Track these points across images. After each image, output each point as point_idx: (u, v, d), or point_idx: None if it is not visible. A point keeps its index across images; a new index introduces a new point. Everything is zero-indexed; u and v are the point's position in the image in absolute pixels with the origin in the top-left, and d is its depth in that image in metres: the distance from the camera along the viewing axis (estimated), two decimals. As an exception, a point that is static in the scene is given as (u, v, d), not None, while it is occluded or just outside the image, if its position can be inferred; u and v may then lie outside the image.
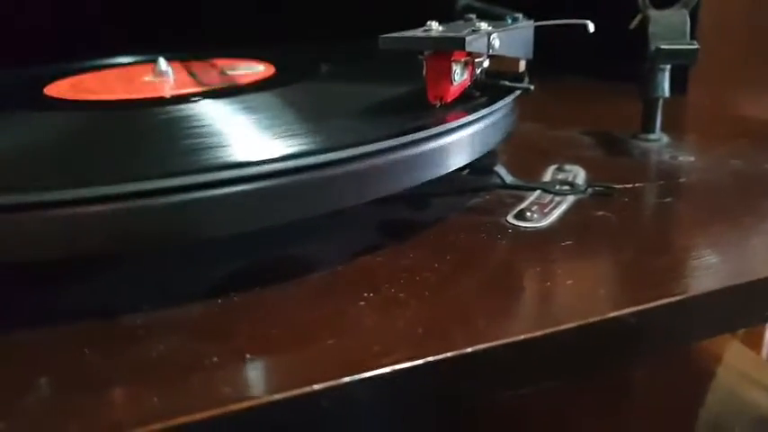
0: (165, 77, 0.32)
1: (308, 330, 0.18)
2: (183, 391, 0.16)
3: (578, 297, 0.19)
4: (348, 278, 0.21)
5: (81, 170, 0.20)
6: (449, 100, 0.25)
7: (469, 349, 0.17)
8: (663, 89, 0.33)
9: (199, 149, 0.21)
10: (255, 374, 0.16)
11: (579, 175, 0.29)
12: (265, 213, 0.19)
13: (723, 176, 0.29)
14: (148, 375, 0.16)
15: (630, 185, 0.28)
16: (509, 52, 0.26)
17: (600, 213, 0.25)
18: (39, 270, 0.21)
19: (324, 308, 0.19)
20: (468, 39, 0.23)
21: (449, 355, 0.16)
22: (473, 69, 0.26)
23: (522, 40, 0.28)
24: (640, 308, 0.18)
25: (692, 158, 0.31)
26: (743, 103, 0.40)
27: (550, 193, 0.27)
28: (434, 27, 0.25)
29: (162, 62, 0.33)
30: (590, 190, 0.27)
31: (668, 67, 0.32)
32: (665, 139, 0.34)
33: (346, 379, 0.16)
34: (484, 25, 0.25)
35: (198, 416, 0.15)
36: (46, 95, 0.30)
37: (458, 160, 0.24)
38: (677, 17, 0.31)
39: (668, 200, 0.26)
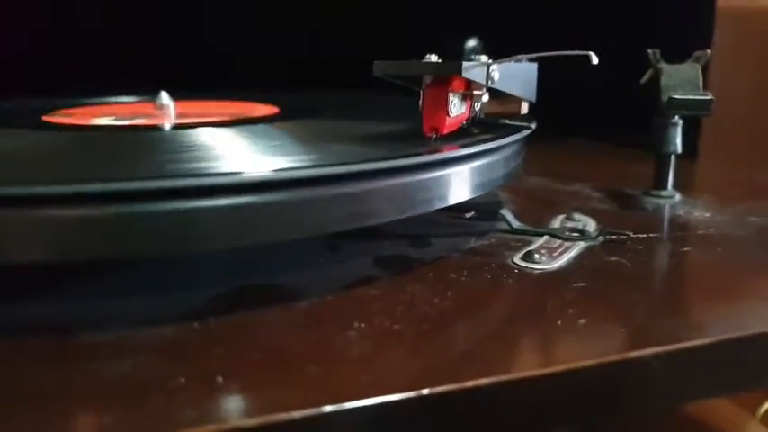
0: (166, 110, 0.31)
1: (290, 356, 0.16)
2: (139, 412, 0.13)
3: (593, 336, 0.17)
4: (338, 308, 0.19)
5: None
6: (444, 132, 0.24)
7: (471, 383, 0.15)
8: (675, 145, 0.32)
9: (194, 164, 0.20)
10: (225, 398, 0.14)
11: (589, 224, 0.28)
12: (254, 229, 0.18)
13: (744, 231, 0.27)
14: (102, 394, 0.14)
15: (645, 235, 0.26)
16: (510, 89, 0.25)
17: (613, 259, 0.23)
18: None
19: (309, 335, 0.17)
20: (465, 64, 0.22)
21: (451, 387, 0.14)
22: (471, 104, 0.25)
23: (524, 77, 0.27)
24: (667, 348, 0.16)
25: (708, 215, 0.30)
26: (756, 170, 0.39)
27: (559, 238, 0.26)
28: (433, 58, 0.24)
29: (164, 95, 0.32)
30: (601, 238, 0.26)
31: (680, 122, 0.32)
32: (678, 196, 0.33)
33: (328, 408, 0.14)
34: (484, 58, 0.25)
35: (151, 440, 0.12)
36: (44, 121, 0.30)
37: (457, 194, 0.22)
38: (690, 71, 0.31)
39: (687, 249, 0.25)
